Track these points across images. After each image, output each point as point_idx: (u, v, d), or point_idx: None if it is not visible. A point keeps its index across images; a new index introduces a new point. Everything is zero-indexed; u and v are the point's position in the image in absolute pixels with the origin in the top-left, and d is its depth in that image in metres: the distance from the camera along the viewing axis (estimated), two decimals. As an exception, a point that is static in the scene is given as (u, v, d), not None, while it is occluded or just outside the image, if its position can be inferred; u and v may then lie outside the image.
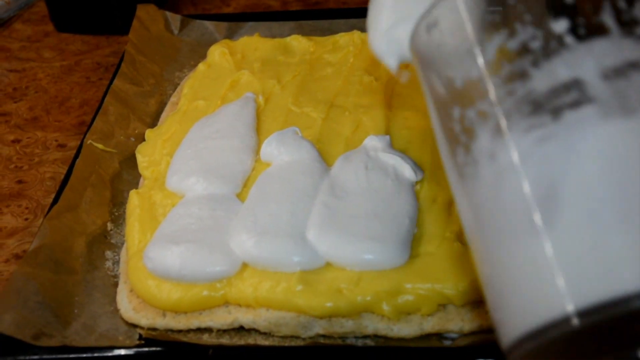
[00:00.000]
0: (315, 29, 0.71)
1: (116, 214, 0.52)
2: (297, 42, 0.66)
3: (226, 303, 0.43)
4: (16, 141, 0.65)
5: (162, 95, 0.65)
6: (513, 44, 0.28)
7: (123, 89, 0.62)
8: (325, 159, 0.50)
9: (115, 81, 0.62)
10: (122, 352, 0.41)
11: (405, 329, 0.41)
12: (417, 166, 0.49)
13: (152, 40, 0.69)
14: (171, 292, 0.43)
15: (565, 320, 0.24)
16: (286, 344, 0.41)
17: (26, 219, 0.56)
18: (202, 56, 0.67)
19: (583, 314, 0.24)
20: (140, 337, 0.42)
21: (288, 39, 0.67)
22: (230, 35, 0.72)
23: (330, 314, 0.41)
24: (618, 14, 0.27)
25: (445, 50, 0.31)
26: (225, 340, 0.42)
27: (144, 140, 0.57)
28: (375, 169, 0.48)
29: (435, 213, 0.46)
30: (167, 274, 0.43)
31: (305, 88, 0.60)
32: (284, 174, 0.49)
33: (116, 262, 0.48)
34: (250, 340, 0.42)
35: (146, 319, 0.43)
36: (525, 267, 0.26)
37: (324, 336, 0.42)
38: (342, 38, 0.66)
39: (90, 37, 0.80)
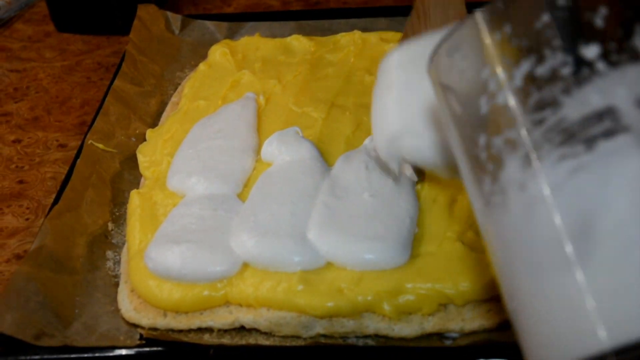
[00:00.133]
0: (316, 29, 0.71)
1: (117, 214, 0.52)
2: (298, 42, 0.66)
3: (227, 303, 0.43)
4: (17, 141, 0.65)
5: (162, 95, 0.65)
6: (542, 71, 0.27)
7: (124, 89, 0.62)
8: (326, 159, 0.50)
9: (116, 81, 0.62)
10: (123, 352, 0.41)
11: (406, 329, 0.41)
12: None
13: (152, 40, 0.69)
14: (172, 292, 0.43)
15: (601, 358, 0.24)
16: (287, 344, 0.41)
17: (27, 219, 0.56)
18: (203, 56, 0.67)
19: (619, 352, 0.24)
20: (141, 337, 0.42)
21: (289, 38, 0.67)
22: (231, 35, 0.72)
23: (331, 314, 0.41)
24: None
25: (468, 75, 0.29)
26: (226, 340, 0.42)
27: (144, 140, 0.57)
28: (376, 169, 0.48)
29: (436, 213, 0.46)
30: (168, 273, 0.43)
31: (306, 88, 0.60)
32: (284, 174, 0.49)
33: (117, 262, 0.48)
34: (251, 340, 0.42)
35: (147, 318, 0.43)
36: (558, 302, 0.26)
37: (324, 336, 0.41)
38: (343, 38, 0.66)
39: (91, 37, 0.80)
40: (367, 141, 0.51)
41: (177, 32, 0.73)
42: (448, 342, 0.41)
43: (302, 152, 0.50)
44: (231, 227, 0.45)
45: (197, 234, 0.45)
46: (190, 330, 0.43)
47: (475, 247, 0.43)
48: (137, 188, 0.53)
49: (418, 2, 0.49)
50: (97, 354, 0.41)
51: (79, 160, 0.53)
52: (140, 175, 0.54)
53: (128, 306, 0.44)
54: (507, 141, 0.27)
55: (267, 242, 0.43)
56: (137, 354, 0.41)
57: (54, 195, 0.52)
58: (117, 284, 0.46)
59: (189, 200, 0.48)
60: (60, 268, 0.45)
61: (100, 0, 0.78)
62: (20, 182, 0.59)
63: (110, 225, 0.51)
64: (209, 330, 0.43)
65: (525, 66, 0.27)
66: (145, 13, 0.71)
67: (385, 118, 0.41)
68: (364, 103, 0.57)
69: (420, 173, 0.48)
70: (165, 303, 0.43)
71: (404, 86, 0.40)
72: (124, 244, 0.49)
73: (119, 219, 0.52)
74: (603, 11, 0.26)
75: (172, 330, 0.43)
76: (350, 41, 0.65)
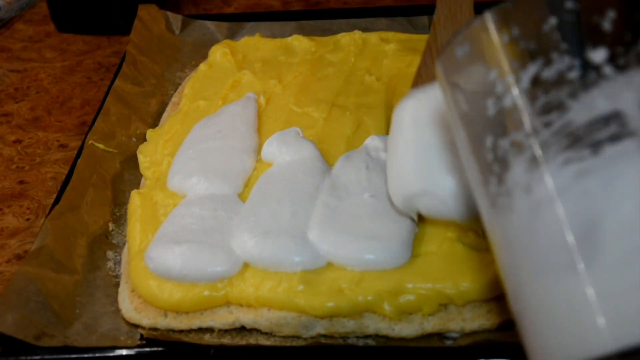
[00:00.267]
0: (317, 29, 0.71)
1: (117, 214, 0.52)
2: (299, 42, 0.66)
3: (227, 303, 0.43)
4: (17, 141, 0.65)
5: (163, 95, 0.65)
6: (549, 74, 0.27)
7: (124, 89, 0.62)
8: (326, 159, 0.50)
9: (117, 81, 0.62)
10: (124, 352, 0.41)
11: (406, 329, 0.41)
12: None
13: (153, 41, 0.69)
14: (172, 292, 0.43)
15: None
16: (287, 344, 0.41)
17: (28, 219, 0.56)
18: (204, 56, 0.67)
19: (623, 354, 0.24)
20: (142, 337, 0.42)
21: (289, 39, 0.67)
22: (232, 36, 0.72)
23: (332, 314, 0.41)
24: None
25: (476, 76, 0.29)
26: (226, 340, 0.42)
27: (145, 140, 0.57)
28: (377, 169, 0.48)
29: (436, 213, 0.46)
30: (168, 274, 0.43)
31: (307, 88, 0.60)
32: (285, 174, 0.49)
33: (117, 262, 0.48)
34: (252, 340, 0.42)
35: (147, 319, 0.43)
36: (563, 304, 0.26)
37: (325, 336, 0.42)
38: (344, 38, 0.66)
39: (91, 37, 0.80)
40: (367, 141, 0.51)
41: (177, 32, 0.73)
42: (448, 342, 0.41)
43: (303, 152, 0.50)
44: (232, 227, 0.45)
45: (198, 234, 0.45)
46: (190, 331, 0.43)
47: (475, 247, 0.43)
48: (138, 188, 0.53)
49: (431, 39, 0.49)
50: (97, 354, 0.41)
51: (79, 161, 0.53)
52: (141, 176, 0.54)
53: (129, 306, 0.44)
54: (513, 143, 0.28)
55: (268, 242, 0.43)
56: (138, 354, 0.41)
57: (54, 196, 0.52)
58: (117, 284, 0.46)
59: (189, 200, 0.48)
60: (60, 268, 0.45)
61: (100, 0, 0.78)
62: (21, 182, 0.60)
63: (110, 226, 0.51)
64: (210, 330, 0.43)
65: (532, 69, 0.27)
66: (146, 13, 0.71)
67: (404, 177, 0.41)
68: (364, 103, 0.57)
69: None
70: (165, 303, 0.43)
71: (422, 148, 0.40)
72: (124, 244, 0.49)
73: (120, 219, 0.52)
74: (611, 14, 0.26)
75: (173, 331, 0.43)
76: (350, 41, 0.65)
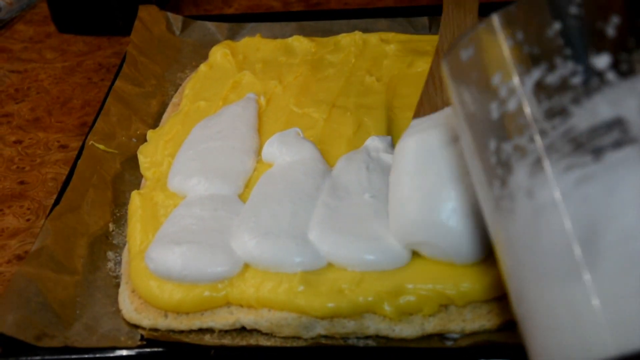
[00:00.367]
0: (317, 30, 0.71)
1: (118, 214, 0.52)
2: (299, 43, 0.66)
3: (228, 304, 0.43)
4: (18, 142, 0.65)
5: (163, 96, 0.65)
6: (552, 79, 0.27)
7: (125, 89, 0.62)
8: (326, 160, 0.50)
9: (117, 82, 0.62)
10: (124, 352, 0.41)
11: (406, 330, 0.41)
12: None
13: (153, 41, 0.69)
14: (173, 293, 0.43)
15: None
16: (288, 345, 0.41)
17: (28, 220, 0.56)
18: (204, 57, 0.68)
19: (625, 359, 0.24)
20: (142, 338, 0.42)
21: (290, 39, 0.67)
22: (232, 36, 0.72)
23: (332, 315, 0.41)
24: None
25: (481, 79, 0.29)
26: (227, 341, 0.42)
27: (145, 141, 0.57)
28: (377, 170, 0.48)
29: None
30: (168, 274, 0.43)
31: (307, 89, 0.60)
32: (285, 175, 0.49)
33: (118, 263, 0.48)
34: (252, 340, 0.42)
35: (148, 319, 0.43)
36: (565, 308, 0.26)
37: (325, 337, 0.41)
38: (344, 38, 0.66)
39: (91, 38, 0.80)
40: (368, 142, 0.51)
41: (178, 32, 0.73)
42: (449, 343, 0.41)
43: (303, 153, 0.50)
44: (232, 228, 0.45)
45: (198, 235, 0.45)
46: (191, 331, 0.43)
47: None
48: (138, 189, 0.53)
49: (433, 67, 0.48)
50: (98, 355, 0.41)
51: (79, 161, 0.53)
52: (141, 176, 0.54)
53: (129, 307, 0.44)
54: (516, 147, 0.28)
55: (268, 243, 0.43)
56: (138, 355, 0.41)
57: (54, 196, 0.52)
58: (118, 285, 0.46)
59: (189, 201, 0.48)
60: (61, 269, 0.45)
61: (101, 1, 0.78)
62: (21, 183, 0.60)
63: (111, 226, 0.51)
64: (210, 331, 0.43)
65: (536, 74, 0.27)
66: (146, 14, 0.71)
67: (405, 225, 0.42)
68: (365, 104, 0.57)
69: None
70: (166, 304, 0.43)
71: (427, 196, 0.40)
72: (124, 244, 0.49)
73: (120, 220, 0.52)
74: (615, 20, 0.26)
75: (173, 331, 0.43)
76: (351, 42, 0.66)
